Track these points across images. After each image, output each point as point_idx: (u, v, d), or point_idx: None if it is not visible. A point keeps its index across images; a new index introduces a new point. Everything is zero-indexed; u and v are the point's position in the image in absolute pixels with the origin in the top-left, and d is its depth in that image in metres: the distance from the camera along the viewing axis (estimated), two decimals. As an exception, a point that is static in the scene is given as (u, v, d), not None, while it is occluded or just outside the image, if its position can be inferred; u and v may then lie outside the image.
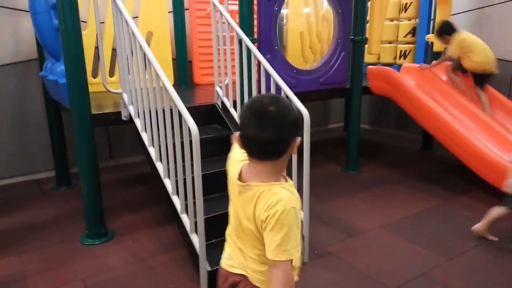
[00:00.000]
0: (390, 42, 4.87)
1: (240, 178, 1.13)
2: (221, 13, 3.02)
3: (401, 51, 4.75)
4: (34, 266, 2.44)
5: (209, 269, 2.08)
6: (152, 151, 2.53)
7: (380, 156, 4.68)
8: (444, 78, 4.15)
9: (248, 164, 1.13)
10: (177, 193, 2.28)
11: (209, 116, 3.22)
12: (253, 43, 3.22)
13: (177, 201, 2.30)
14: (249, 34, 3.13)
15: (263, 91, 2.83)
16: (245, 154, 1.11)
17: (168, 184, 2.36)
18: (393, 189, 3.62)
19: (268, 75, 2.68)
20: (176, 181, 2.23)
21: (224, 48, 3.10)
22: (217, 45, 3.15)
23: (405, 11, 4.69)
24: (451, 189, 3.55)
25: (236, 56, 3.02)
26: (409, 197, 3.43)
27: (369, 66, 4.19)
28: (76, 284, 2.24)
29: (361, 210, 3.19)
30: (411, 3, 4.62)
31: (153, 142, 2.50)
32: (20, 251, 2.61)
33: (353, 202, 3.36)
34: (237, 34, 2.89)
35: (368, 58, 4.79)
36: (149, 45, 3.96)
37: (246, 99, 2.97)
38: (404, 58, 4.72)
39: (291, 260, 1.03)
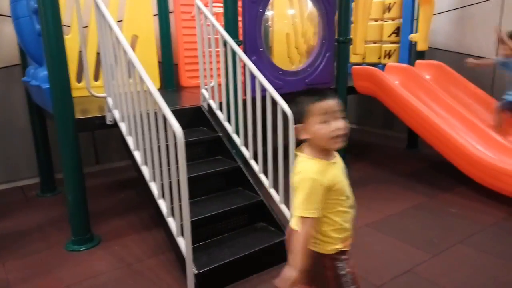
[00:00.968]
0: (375, 42, 4.92)
1: None
2: (205, 16, 3.02)
3: (385, 51, 4.80)
4: (18, 274, 2.40)
5: (195, 272, 2.08)
6: (138, 155, 2.51)
7: (366, 155, 4.73)
8: (428, 77, 4.22)
9: None
10: (163, 197, 2.27)
11: (195, 118, 3.22)
12: (239, 45, 3.24)
13: (163, 205, 2.29)
14: (234, 36, 3.14)
15: (248, 93, 2.84)
16: None
17: (154, 187, 2.35)
18: (379, 188, 3.66)
19: (253, 77, 2.69)
20: (162, 184, 2.23)
21: (209, 50, 3.11)
22: (202, 48, 3.16)
23: (389, 11, 4.74)
24: (436, 186, 3.60)
25: (221, 58, 3.03)
26: (395, 195, 3.47)
27: (354, 66, 4.23)
28: (62, 291, 2.22)
29: (348, 209, 3.21)
30: (394, 3, 4.68)
31: (138, 146, 2.49)
32: (4, 259, 2.57)
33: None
34: (222, 36, 2.89)
35: (353, 58, 4.84)
36: (134, 49, 3.97)
37: (231, 101, 2.98)
38: (389, 58, 4.77)
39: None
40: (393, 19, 4.74)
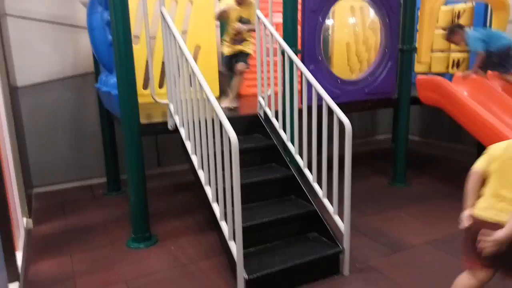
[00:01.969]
0: (442, 51, 4.66)
1: None
2: (265, 26, 3.07)
3: (454, 60, 4.52)
4: (83, 266, 2.59)
5: (246, 277, 2.09)
6: (195, 159, 2.60)
7: (430, 169, 4.46)
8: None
9: None
10: (217, 201, 2.32)
11: (252, 125, 3.27)
12: (297, 54, 3.25)
13: (216, 208, 2.34)
14: (293, 45, 3.15)
15: (304, 101, 2.82)
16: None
17: (209, 191, 2.42)
18: (443, 204, 3.43)
19: (310, 86, 2.67)
20: (216, 189, 2.28)
21: (268, 59, 3.15)
22: (260, 57, 3.21)
23: (458, 19, 4.47)
24: (508, 206, 3.30)
25: (279, 67, 3.05)
26: (459, 213, 3.22)
27: (419, 76, 4.04)
28: (120, 286, 2.35)
29: (407, 225, 3.05)
30: (464, 10, 4.41)
31: (195, 151, 2.58)
32: (72, 251, 2.79)
33: (398, 216, 3.22)
34: (280, 45, 2.92)
35: (418, 68, 4.64)
36: (197, 58, 4.15)
37: (288, 110, 2.98)
38: (457, 67, 4.49)
39: None
40: (463, 27, 4.46)
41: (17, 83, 3.79)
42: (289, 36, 3.18)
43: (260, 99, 3.31)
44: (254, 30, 3.30)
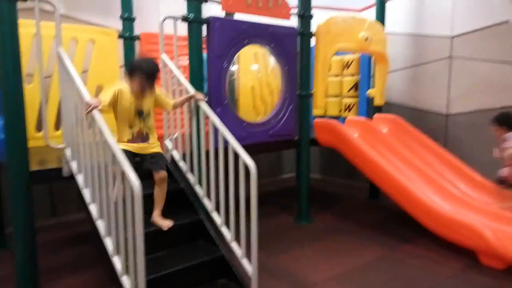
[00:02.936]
0: (336, 96, 5.17)
1: None
2: (170, 69, 3.10)
3: (345, 104, 5.04)
4: None
5: (150, 336, 1.95)
6: (94, 208, 2.42)
7: (331, 206, 4.78)
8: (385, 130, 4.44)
9: None
10: (118, 253, 2.17)
11: (158, 169, 3.17)
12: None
13: (117, 262, 2.18)
14: (199, 88, 3.21)
15: (211, 144, 2.86)
16: None
17: (109, 243, 2.25)
18: (343, 240, 3.67)
19: (216, 129, 2.72)
20: (117, 240, 2.14)
21: (174, 102, 3.15)
22: (166, 99, 3.19)
23: (348, 68, 5.04)
24: (397, 237, 3.66)
25: (186, 110, 3.07)
26: (357, 247, 3.48)
27: (316, 119, 4.39)
28: None
29: (311, 262, 3.18)
30: (352, 60, 4.99)
31: (94, 199, 2.41)
32: None
33: (304, 254, 3.35)
34: (186, 89, 2.95)
35: (316, 111, 5.03)
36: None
37: (195, 152, 2.98)
38: (349, 111, 5.00)
39: None
40: (352, 75, 5.03)
41: None
42: (195, 80, 3.24)
43: (167, 141, 3.26)
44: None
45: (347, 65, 5.06)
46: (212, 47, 3.37)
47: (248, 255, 2.50)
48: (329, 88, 5.12)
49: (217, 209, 2.80)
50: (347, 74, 5.10)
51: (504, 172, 3.48)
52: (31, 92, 3.33)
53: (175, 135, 3.21)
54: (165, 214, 2.66)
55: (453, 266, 3.08)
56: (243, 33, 3.51)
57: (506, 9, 4.05)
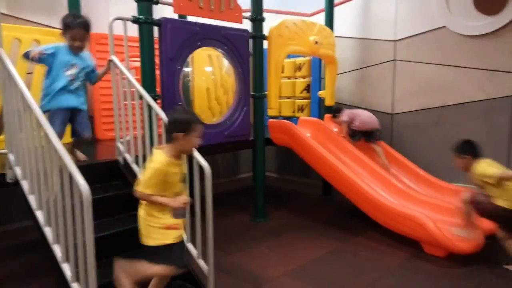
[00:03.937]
0: (289, 98, 5.30)
1: None
2: (120, 70, 3.04)
3: (298, 105, 5.19)
4: None
5: None
6: (40, 215, 2.33)
7: (286, 203, 4.89)
8: (336, 129, 4.62)
9: None
10: (68, 260, 2.11)
11: (110, 173, 3.11)
12: (157, 99, 3.28)
13: (67, 269, 2.12)
14: (152, 90, 3.18)
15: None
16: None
17: (58, 250, 2.18)
18: (298, 235, 3.78)
19: (169, 131, 2.71)
20: (67, 247, 2.08)
21: (125, 103, 3.10)
22: (117, 101, 3.14)
23: (300, 70, 5.20)
24: (349, 231, 3.83)
25: (137, 112, 3.03)
26: (312, 242, 3.60)
27: (270, 120, 4.49)
28: None
29: (268, 259, 3.25)
30: (304, 63, 5.15)
31: (41, 206, 2.32)
32: None
33: (260, 251, 3.42)
34: (137, 90, 2.92)
35: (271, 112, 5.13)
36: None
37: (147, 155, 2.95)
38: (302, 112, 5.15)
39: None
40: (303, 77, 5.19)
41: None
42: (147, 82, 3.21)
43: (119, 144, 3.20)
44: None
45: (299, 68, 5.21)
46: (165, 49, 3.35)
47: (204, 255, 2.52)
48: (282, 89, 5.25)
49: (172, 211, 2.79)
50: (299, 76, 5.25)
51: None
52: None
53: (127, 138, 3.16)
54: (116, 220, 2.62)
55: (400, 255, 3.27)
56: (195, 35, 3.52)
57: (444, 16, 4.36)
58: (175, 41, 3.36)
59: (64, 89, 2.95)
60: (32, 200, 2.41)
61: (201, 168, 2.47)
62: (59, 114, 2.95)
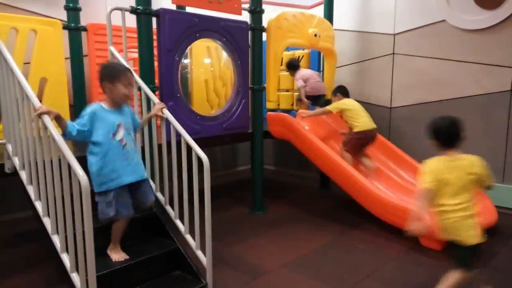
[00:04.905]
0: (287, 90, 5.30)
1: None
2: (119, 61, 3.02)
3: (297, 98, 5.17)
4: None
5: (102, 331, 1.93)
6: (39, 205, 2.33)
7: (284, 196, 4.91)
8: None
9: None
10: (67, 250, 2.11)
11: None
12: (155, 90, 3.27)
13: (66, 259, 2.13)
14: (150, 82, 3.17)
15: (164, 137, 2.85)
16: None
17: (57, 240, 2.19)
18: (295, 228, 3.80)
19: (168, 122, 2.71)
20: (66, 236, 2.08)
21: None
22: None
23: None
24: (346, 224, 3.85)
25: (136, 103, 3.02)
26: (309, 234, 3.63)
27: (268, 112, 4.48)
28: None
29: (265, 251, 3.27)
30: (303, 56, 5.13)
31: (40, 196, 2.32)
32: None
33: (258, 243, 3.44)
34: (136, 82, 2.91)
35: (269, 105, 5.14)
36: (43, 91, 3.78)
37: (147, 146, 2.95)
38: (300, 105, 5.14)
39: None
40: (302, 70, 5.16)
41: None
42: (145, 74, 3.19)
43: (117, 136, 3.19)
44: None
45: (298, 60, 5.19)
46: (163, 40, 3.33)
47: (202, 246, 2.53)
48: (281, 82, 5.24)
49: (171, 203, 2.80)
50: (298, 68, 5.22)
51: None
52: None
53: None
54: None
55: (397, 248, 3.30)
56: (194, 26, 3.49)
57: (443, 9, 4.35)
58: (173, 32, 3.34)
59: (119, 161, 2.30)
60: (30, 190, 2.41)
61: (199, 160, 2.47)
62: (122, 194, 2.34)
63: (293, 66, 4.88)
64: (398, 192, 3.80)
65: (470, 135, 3.35)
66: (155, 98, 2.83)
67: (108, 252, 2.45)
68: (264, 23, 4.08)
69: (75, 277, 2.07)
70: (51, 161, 2.10)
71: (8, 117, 2.53)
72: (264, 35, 4.10)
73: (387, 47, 4.88)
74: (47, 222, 2.27)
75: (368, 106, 5.06)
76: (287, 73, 5.28)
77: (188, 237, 2.66)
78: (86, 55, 4.23)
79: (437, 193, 2.11)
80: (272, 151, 6.30)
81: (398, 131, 4.85)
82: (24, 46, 3.65)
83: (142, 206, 2.51)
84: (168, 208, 2.82)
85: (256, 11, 3.98)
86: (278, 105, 5.28)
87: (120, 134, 2.32)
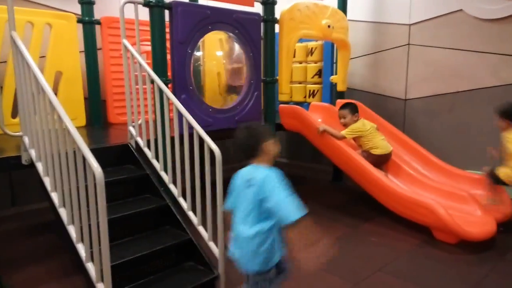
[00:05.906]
0: (300, 83, 5.26)
1: None
2: (132, 54, 3.05)
3: (309, 90, 5.14)
4: None
5: (117, 320, 1.97)
6: (55, 196, 2.38)
7: (296, 188, 4.86)
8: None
9: None
10: (82, 241, 2.16)
11: (123, 156, 3.15)
12: (168, 83, 3.29)
13: (81, 249, 2.17)
14: (163, 75, 3.19)
15: (176, 130, 2.86)
16: None
17: (72, 231, 2.23)
18: (308, 220, 3.79)
19: (181, 115, 2.72)
20: (81, 227, 2.13)
21: (137, 87, 3.11)
22: (129, 85, 3.15)
23: (311, 55, 5.13)
24: (359, 217, 3.83)
25: (149, 96, 3.04)
26: (322, 227, 3.61)
27: (281, 105, 4.46)
28: None
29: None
30: (316, 48, 5.08)
31: (56, 187, 2.37)
32: None
33: (270, 235, 3.44)
34: (149, 75, 2.92)
35: (282, 97, 5.10)
36: (58, 85, 3.85)
37: (160, 139, 2.97)
38: (313, 97, 5.10)
39: None
40: (315, 62, 5.12)
41: None
42: (158, 67, 3.21)
43: (131, 128, 3.23)
44: None
45: (311, 52, 5.15)
46: (175, 33, 3.33)
47: (215, 238, 2.56)
48: (294, 74, 5.20)
49: (184, 195, 2.83)
50: (311, 60, 5.18)
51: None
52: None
53: (139, 122, 3.18)
54: (131, 201, 2.66)
55: (410, 241, 3.27)
56: (206, 18, 3.48)
57: (460, -2, 4.24)
58: (186, 25, 3.34)
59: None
60: (47, 181, 2.46)
61: (211, 153, 2.48)
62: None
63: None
64: (412, 185, 3.76)
65: (486, 127, 3.31)
66: (168, 92, 2.84)
67: None
68: (277, 15, 4.04)
69: (90, 267, 2.11)
70: (66, 153, 2.14)
71: (24, 110, 2.58)
72: (277, 26, 4.07)
73: (402, 37, 4.79)
74: (63, 212, 2.32)
75: (382, 98, 5.01)
76: (300, 65, 5.25)
77: (201, 228, 2.68)
78: (100, 49, 4.27)
79: None
80: (285, 144, 6.28)
81: (413, 123, 4.78)
82: (39, 40, 3.71)
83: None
84: (181, 200, 2.85)
85: (269, 2, 3.95)
86: (291, 97, 5.25)
87: None
